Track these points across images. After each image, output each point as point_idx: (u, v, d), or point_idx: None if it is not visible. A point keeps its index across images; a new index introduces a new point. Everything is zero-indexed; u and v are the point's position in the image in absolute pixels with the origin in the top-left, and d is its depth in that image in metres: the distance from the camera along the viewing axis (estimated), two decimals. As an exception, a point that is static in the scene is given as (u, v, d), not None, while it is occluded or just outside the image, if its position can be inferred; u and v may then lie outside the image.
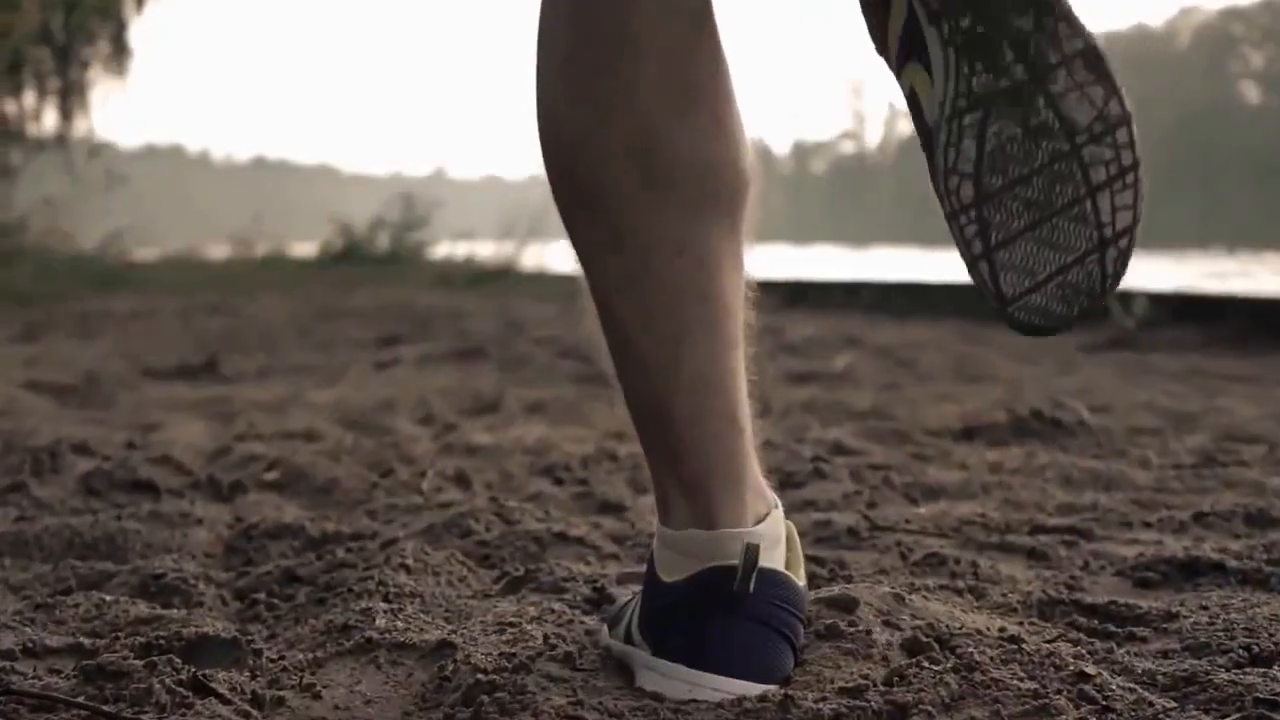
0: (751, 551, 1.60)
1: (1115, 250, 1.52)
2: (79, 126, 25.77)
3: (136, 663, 1.52)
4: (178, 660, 1.53)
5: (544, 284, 12.97)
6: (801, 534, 2.14)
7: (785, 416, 4.10)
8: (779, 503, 1.71)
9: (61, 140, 24.68)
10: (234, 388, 5.39)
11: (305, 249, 19.89)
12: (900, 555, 2.12)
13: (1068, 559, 2.17)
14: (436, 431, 3.70)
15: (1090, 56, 1.50)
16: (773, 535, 1.65)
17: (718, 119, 1.63)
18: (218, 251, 20.59)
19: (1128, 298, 8.04)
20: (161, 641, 1.62)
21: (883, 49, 1.61)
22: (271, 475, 2.76)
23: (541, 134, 1.66)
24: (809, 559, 2.06)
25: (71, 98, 25.24)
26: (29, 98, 25.13)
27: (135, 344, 7.31)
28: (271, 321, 9.21)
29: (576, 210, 1.66)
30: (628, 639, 1.71)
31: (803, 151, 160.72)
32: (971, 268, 1.54)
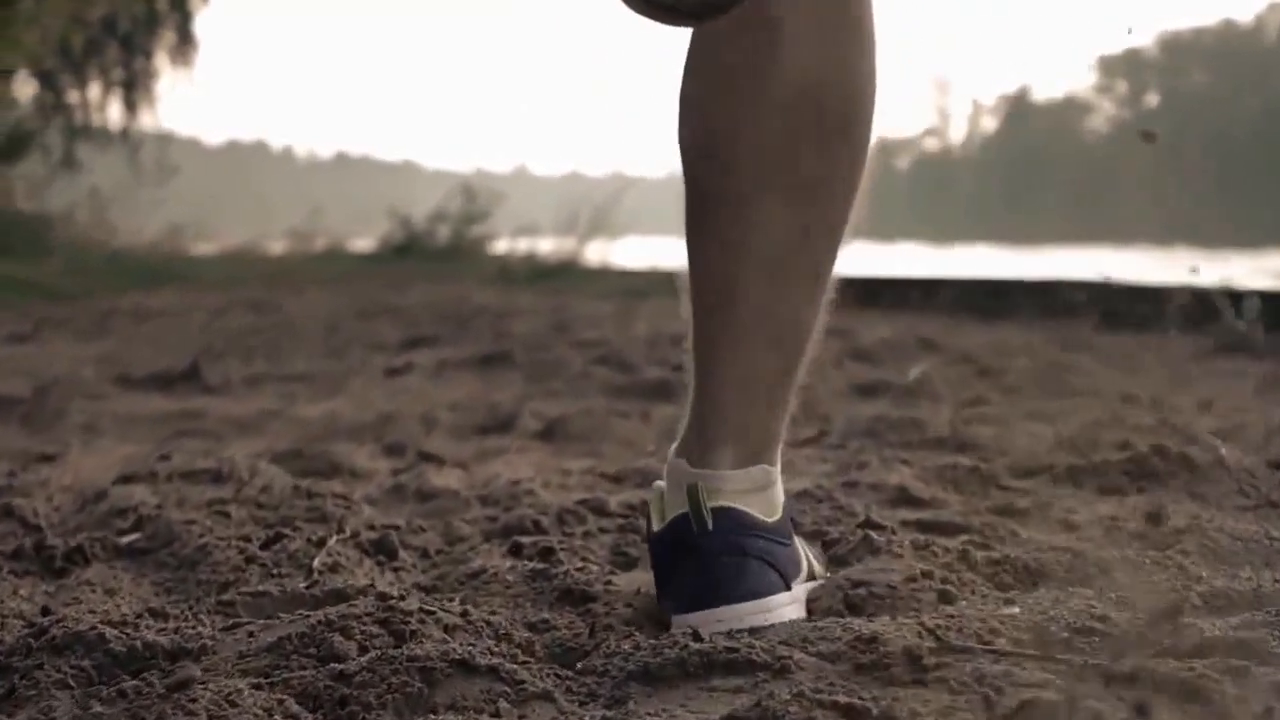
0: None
1: None
2: (144, 119, 25.38)
3: None
4: None
5: (606, 280, 12.28)
6: (835, 655, 1.48)
7: (843, 444, 3.36)
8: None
9: (125, 133, 24.27)
10: (212, 399, 4.70)
11: (367, 243, 19.33)
12: (984, 702, 1.37)
13: (1236, 700, 1.42)
14: (399, 465, 2.98)
15: None
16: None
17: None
18: (278, 246, 20.06)
19: (1238, 297, 7.22)
20: None
21: None
22: (130, 538, 2.05)
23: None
24: (841, 701, 1.34)
25: (136, 89, 24.82)
26: (94, 89, 24.78)
27: (137, 346, 6.65)
28: (305, 320, 8.56)
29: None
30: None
31: (886, 147, 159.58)
32: None
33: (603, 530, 2.10)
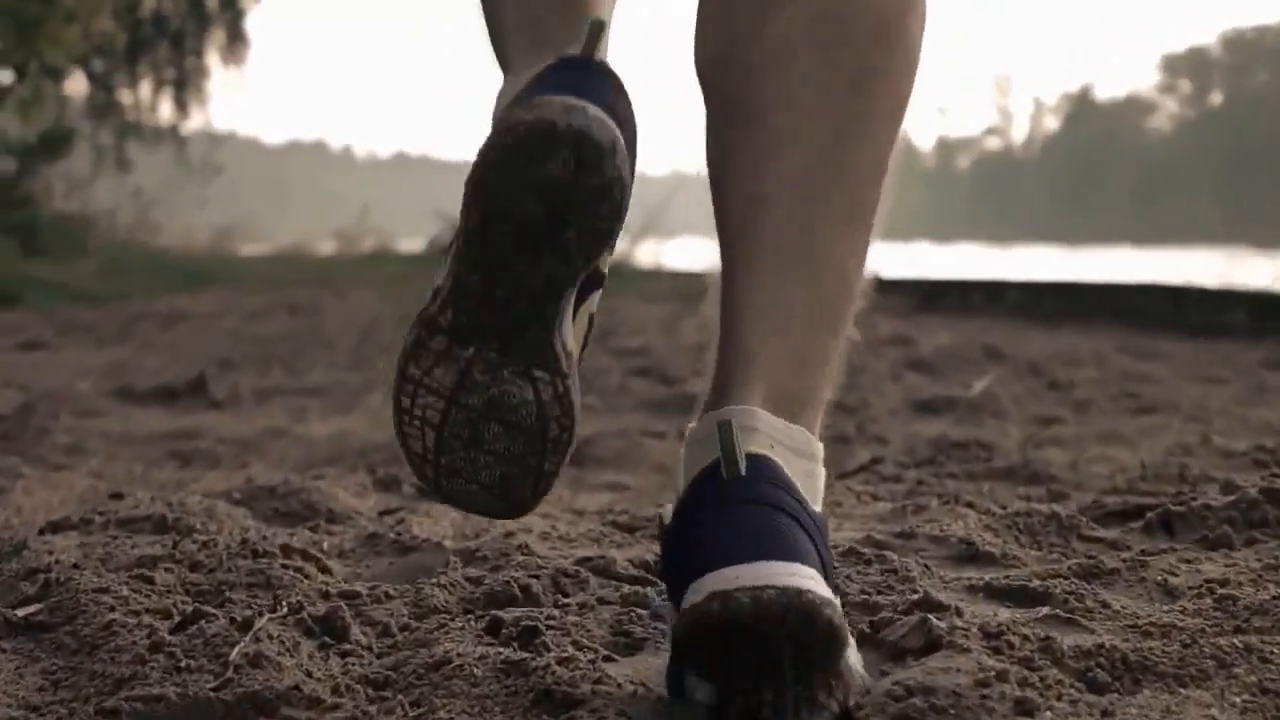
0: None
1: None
2: (195, 118, 25.16)
3: None
4: None
5: (657, 283, 11.90)
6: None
7: (899, 476, 2.98)
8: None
9: (174, 132, 24.06)
10: (215, 416, 4.35)
11: (416, 244, 19.04)
12: None
13: None
14: (388, 503, 2.61)
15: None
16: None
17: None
18: (327, 247, 19.78)
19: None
20: None
21: None
22: (29, 610, 1.68)
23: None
24: None
25: (187, 88, 24.61)
26: (145, 88, 24.57)
27: (154, 354, 6.31)
28: (340, 325, 8.22)
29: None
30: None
31: (947, 147, 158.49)
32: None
33: (603, 601, 1.73)
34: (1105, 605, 1.75)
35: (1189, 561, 1.99)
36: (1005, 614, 1.74)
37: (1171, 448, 3.56)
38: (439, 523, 2.24)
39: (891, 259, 17.97)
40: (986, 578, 1.89)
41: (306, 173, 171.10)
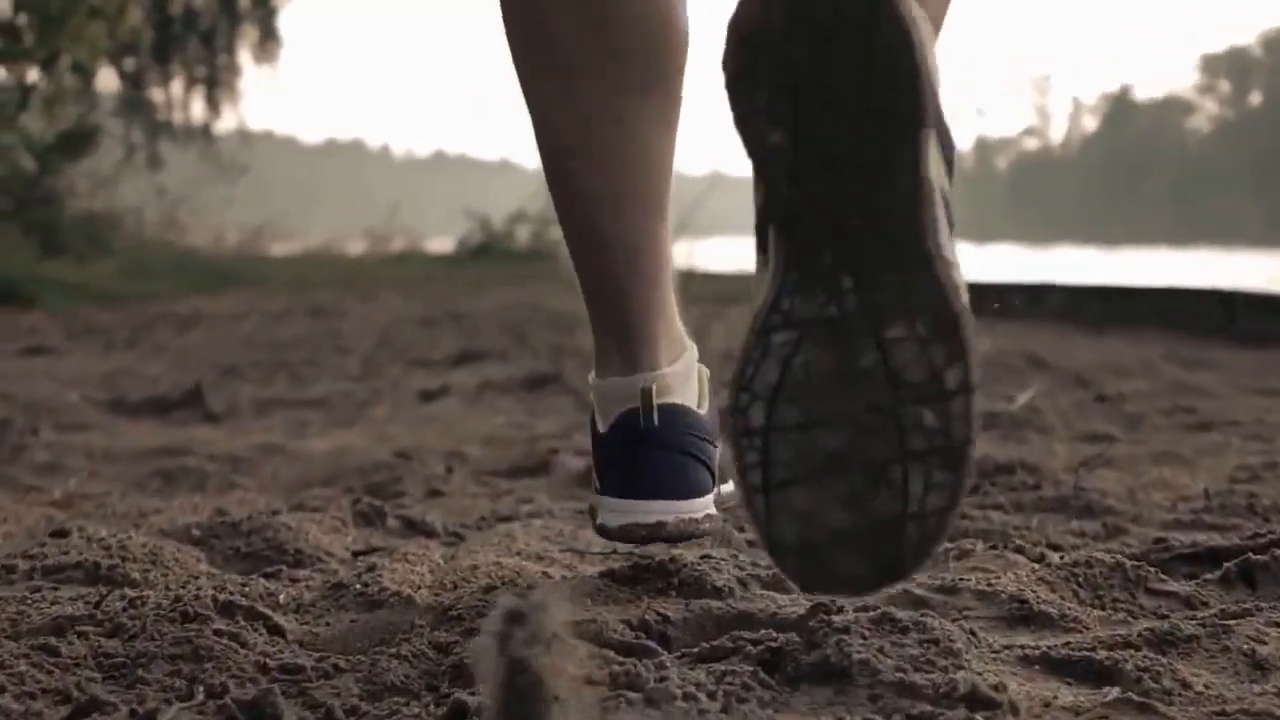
0: (646, 395, 1.82)
1: (918, 530, 1.29)
2: (227, 116, 25.00)
3: None
4: None
5: (689, 285, 11.60)
6: None
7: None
8: (693, 345, 1.92)
9: (206, 130, 23.88)
10: (209, 430, 4.09)
11: (446, 244, 18.82)
12: None
13: None
14: (366, 542, 2.33)
15: (945, 318, 1.34)
16: (682, 374, 1.86)
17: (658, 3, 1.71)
18: (357, 247, 19.58)
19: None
20: None
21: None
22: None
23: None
24: None
25: (219, 86, 24.41)
26: (177, 86, 24.39)
27: (161, 360, 6.06)
28: (360, 328, 7.97)
29: (533, 67, 1.76)
30: (595, 489, 1.90)
31: (985, 148, 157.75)
32: (746, 497, 1.35)
33: (589, 681, 1.47)
34: (1185, 685, 1.48)
35: (1279, 625, 1.70)
36: (1067, 695, 1.47)
37: (1235, 471, 3.27)
38: (415, 568, 1.97)
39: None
40: (1043, 646, 1.62)
41: (342, 172, 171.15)
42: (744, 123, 1.35)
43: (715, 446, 1.88)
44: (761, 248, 1.41)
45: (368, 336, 7.36)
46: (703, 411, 1.88)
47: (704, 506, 1.84)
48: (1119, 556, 1.96)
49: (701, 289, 10.63)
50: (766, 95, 1.32)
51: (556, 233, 16.79)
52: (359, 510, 2.48)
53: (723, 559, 1.95)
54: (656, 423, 1.82)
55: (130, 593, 1.72)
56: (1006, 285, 10.00)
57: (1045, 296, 9.33)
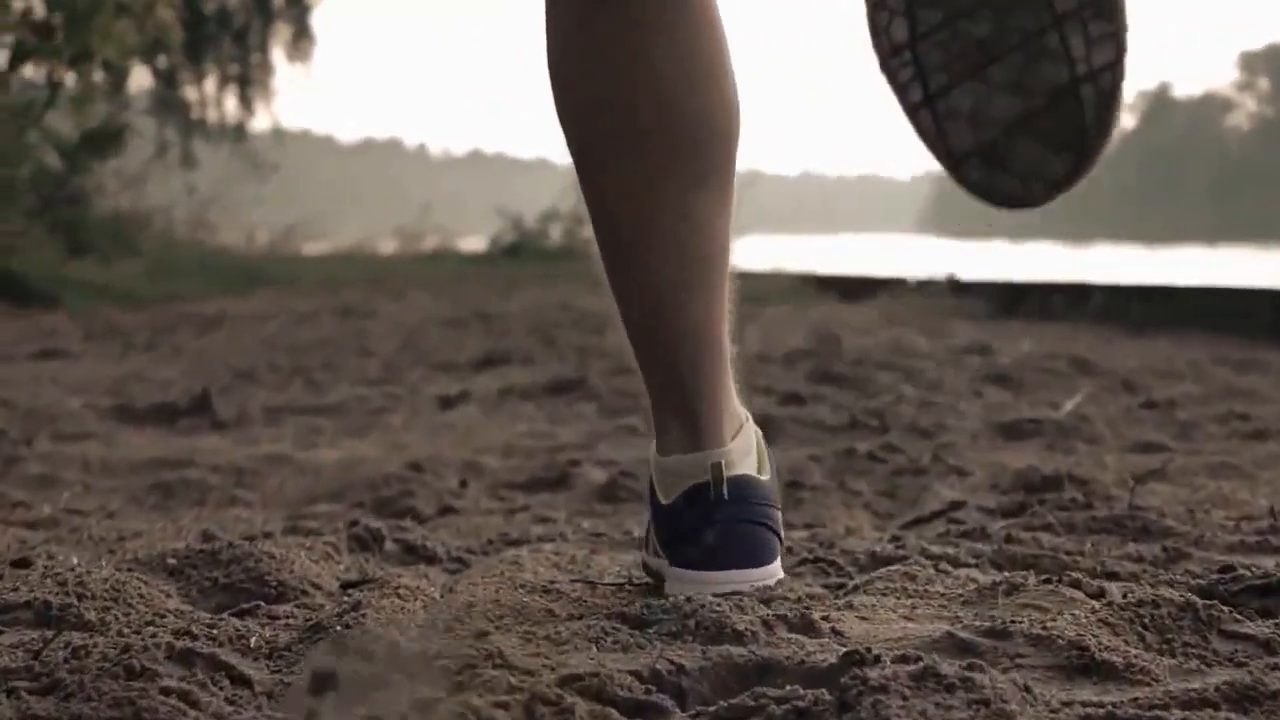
0: (716, 470, 1.83)
1: (1093, 89, 1.27)
2: (260, 115, 24.85)
3: None
4: None
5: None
6: None
7: (983, 529, 2.49)
8: (749, 415, 1.92)
9: (240, 128, 23.74)
10: (215, 439, 3.91)
11: (478, 243, 18.64)
12: None
13: None
14: (359, 571, 2.14)
15: None
16: (744, 447, 1.87)
17: (722, 93, 1.69)
18: (389, 246, 19.41)
19: None
20: None
21: None
22: None
23: (554, 97, 1.75)
24: None
25: (252, 85, 24.27)
26: (210, 84, 24.25)
27: (176, 363, 5.89)
28: (386, 329, 7.80)
29: (591, 170, 1.77)
30: (655, 554, 1.93)
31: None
32: (913, 120, 1.37)
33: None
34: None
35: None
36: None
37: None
38: (406, 605, 1.78)
39: (968, 259, 17.43)
40: (1108, 703, 1.42)
41: (378, 171, 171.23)
42: None
43: (779, 510, 1.91)
44: None
45: (392, 338, 7.18)
46: (765, 478, 1.89)
47: (776, 573, 1.87)
48: (1188, 594, 1.76)
49: (736, 289, 10.43)
50: None
51: (589, 231, 16.51)
52: (355, 534, 2.29)
53: (747, 597, 1.76)
54: (727, 495, 1.83)
55: (78, 639, 1.54)
56: (1046, 284, 9.77)
57: (1087, 296, 9.09)
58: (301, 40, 24.60)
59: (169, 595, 1.86)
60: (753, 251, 14.90)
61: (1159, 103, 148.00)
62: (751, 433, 1.91)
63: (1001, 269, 13.37)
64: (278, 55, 24.53)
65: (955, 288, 10.18)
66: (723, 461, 1.83)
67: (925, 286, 10.46)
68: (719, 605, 1.68)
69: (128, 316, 8.83)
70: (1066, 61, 1.30)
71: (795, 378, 5.17)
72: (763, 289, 10.05)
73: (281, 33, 24.58)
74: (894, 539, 2.50)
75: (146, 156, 16.06)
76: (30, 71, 13.48)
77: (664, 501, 1.87)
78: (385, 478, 3.32)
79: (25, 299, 9.48)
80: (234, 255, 15.31)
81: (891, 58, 1.36)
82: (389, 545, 2.30)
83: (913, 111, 1.38)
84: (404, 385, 5.07)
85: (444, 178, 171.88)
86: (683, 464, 1.85)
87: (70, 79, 13.71)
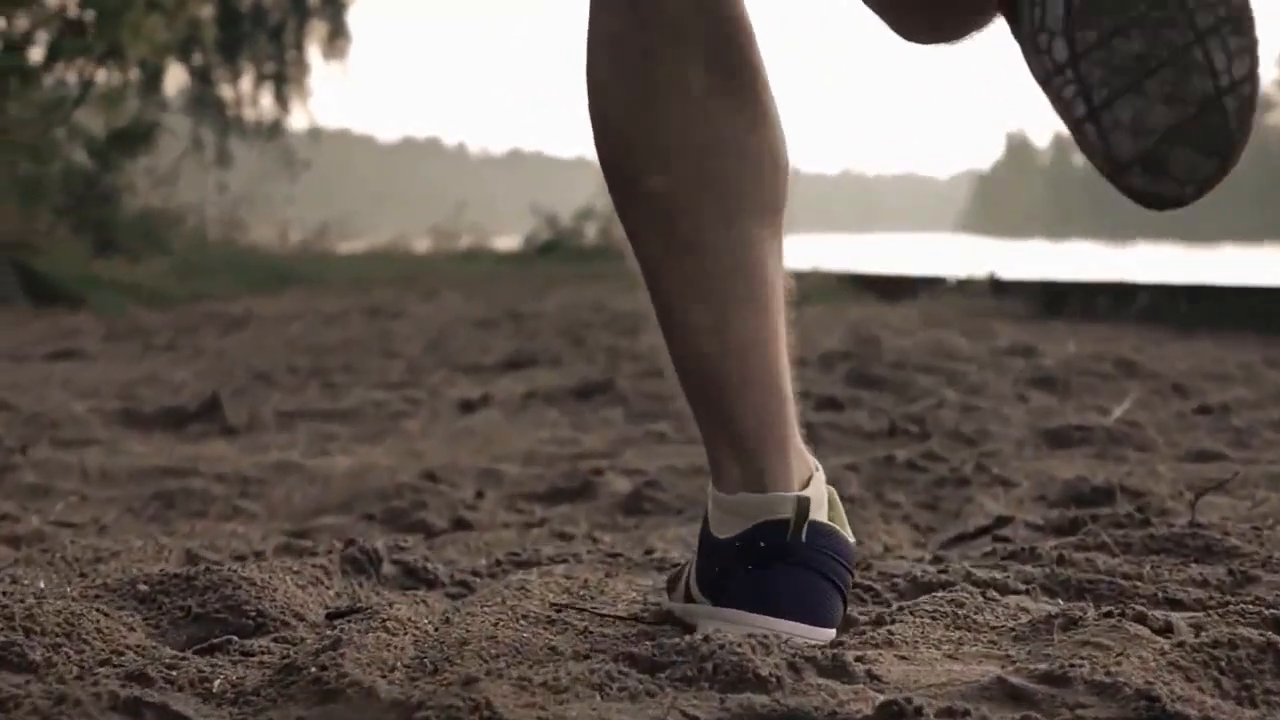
0: (803, 504, 1.69)
1: (1236, 100, 1.42)
2: (296, 113, 24.75)
3: None
4: None
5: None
6: None
7: (1033, 550, 2.29)
8: (819, 465, 1.78)
9: (276, 127, 23.63)
10: (223, 445, 3.75)
11: (513, 241, 18.49)
12: None
13: None
14: (355, 593, 1.96)
15: None
16: (818, 496, 1.73)
17: (761, 103, 1.69)
18: (423, 245, 19.26)
19: None
20: None
21: None
22: None
23: (591, 112, 1.72)
24: None
25: (287, 83, 24.15)
26: (245, 83, 24.14)
27: (193, 364, 5.73)
28: (413, 330, 7.63)
29: (625, 187, 1.72)
30: (687, 598, 1.79)
31: (1064, 143, 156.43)
32: (1077, 133, 1.45)
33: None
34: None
35: None
36: None
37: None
38: (395, 640, 1.59)
39: (1008, 258, 17.19)
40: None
41: (417, 170, 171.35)
42: None
43: (852, 575, 1.78)
44: None
45: (418, 339, 7.01)
46: (850, 539, 1.76)
47: (830, 637, 1.70)
48: (1268, 633, 1.56)
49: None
50: None
51: (622, 229, 16.30)
52: (350, 556, 2.10)
53: (768, 635, 1.57)
54: (804, 538, 1.70)
55: (11, 686, 1.36)
56: (1090, 284, 9.55)
57: (1132, 296, 8.87)
58: (337, 38, 24.50)
59: (132, 629, 1.67)
60: (790, 250, 14.70)
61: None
62: (824, 485, 1.77)
63: (1042, 268, 13.16)
64: (313, 53, 24.45)
65: (996, 287, 9.99)
66: (810, 501, 1.70)
67: (965, 286, 10.26)
68: (739, 647, 1.50)
69: (153, 316, 8.68)
70: (1211, 74, 1.41)
71: (833, 381, 4.98)
72: (800, 288, 9.83)
73: (317, 31, 24.48)
74: (936, 560, 2.31)
75: (176, 154, 15.95)
76: (64, 70, 13.38)
77: (719, 536, 1.73)
78: (397, 487, 3.15)
79: (50, 298, 9.33)
80: (266, 254, 15.15)
81: (1055, 76, 1.43)
82: (387, 567, 2.11)
83: (1077, 126, 1.44)
84: (425, 388, 4.90)
85: (482, 177, 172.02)
86: (748, 503, 1.71)
87: (102, 76, 13.61)
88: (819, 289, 10.27)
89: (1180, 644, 1.54)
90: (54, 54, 13.43)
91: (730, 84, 1.68)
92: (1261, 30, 1.41)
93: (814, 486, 1.73)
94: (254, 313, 8.81)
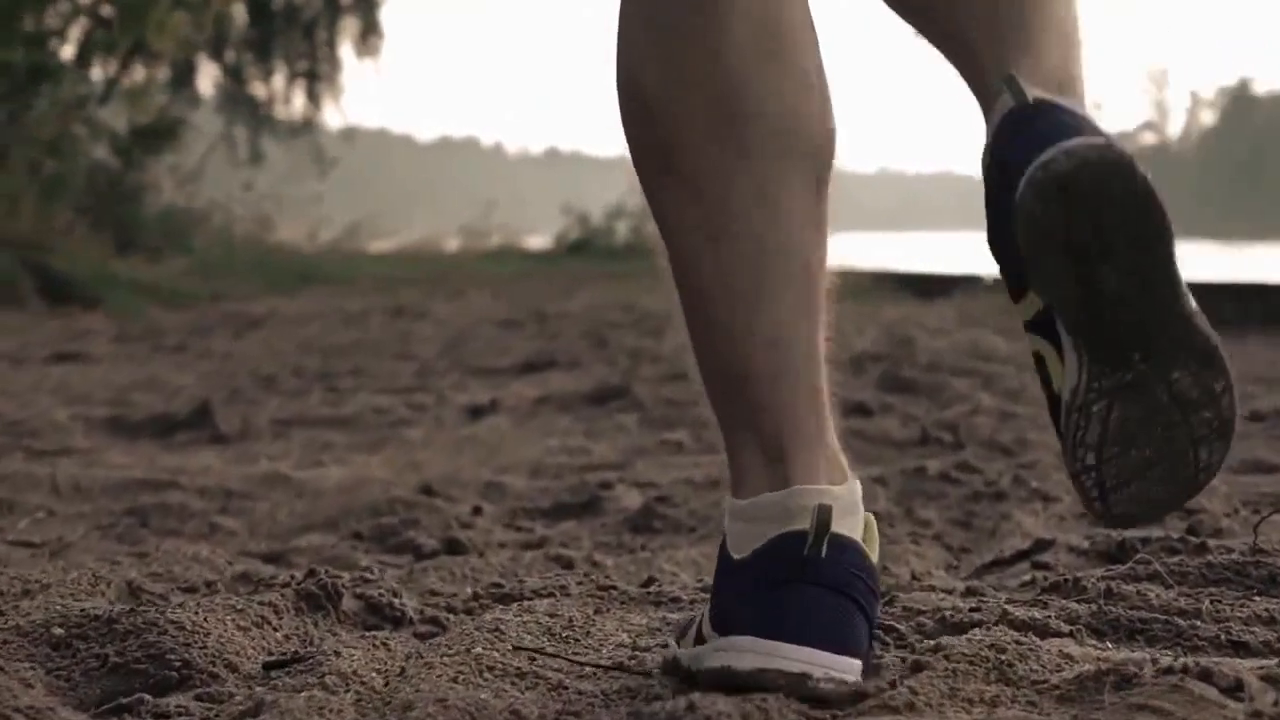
0: (823, 512, 1.54)
1: (1205, 475, 1.61)
2: (329, 111, 24.60)
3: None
4: None
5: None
6: None
7: (1076, 582, 2.04)
8: (856, 479, 1.63)
9: (309, 125, 23.48)
10: (211, 454, 3.54)
11: (544, 240, 18.33)
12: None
13: None
14: (307, 633, 1.72)
15: (1206, 352, 1.56)
16: (848, 501, 1.59)
17: (804, 73, 1.61)
18: (453, 244, 19.10)
19: None
20: None
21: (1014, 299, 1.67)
22: None
23: (619, 83, 1.65)
24: None
25: (319, 81, 23.99)
26: (278, 80, 23.99)
27: (199, 367, 5.53)
28: (434, 330, 7.42)
29: (655, 165, 1.63)
30: (698, 643, 1.60)
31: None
32: (1087, 504, 1.60)
33: None
34: None
35: None
36: None
37: None
38: (334, 698, 1.36)
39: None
40: None
41: (453, 169, 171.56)
42: (1038, 272, 1.55)
43: (880, 602, 1.67)
44: (1041, 333, 1.59)
45: (437, 340, 6.80)
46: (874, 557, 1.60)
47: (856, 669, 1.52)
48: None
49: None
50: (1057, 257, 1.51)
51: (654, 227, 16.10)
52: (306, 591, 1.86)
53: (774, 697, 1.33)
54: (824, 553, 1.53)
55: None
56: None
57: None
58: (370, 36, 24.33)
59: (30, 685, 1.45)
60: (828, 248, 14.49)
61: (1239, 99, 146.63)
62: (858, 493, 1.62)
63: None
64: (346, 51, 24.29)
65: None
66: (832, 507, 1.53)
67: (1002, 284, 10.02)
68: (743, 705, 1.26)
69: (170, 316, 8.49)
70: (1194, 465, 1.58)
71: (863, 385, 4.74)
72: (851, 285, 9.64)
73: (350, 28, 24.32)
74: (969, 592, 2.08)
75: (204, 152, 15.79)
76: (94, 67, 13.23)
77: (736, 557, 1.57)
78: (390, 502, 2.94)
79: (66, 297, 9.13)
80: (292, 253, 14.96)
81: (1082, 474, 1.55)
82: (349, 602, 1.87)
83: (1089, 502, 1.59)
84: (433, 393, 4.68)
85: (518, 176, 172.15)
86: (767, 504, 1.55)
87: (122, 72, 13.45)
88: (855, 287, 10.04)
89: (1255, 713, 1.30)
90: (85, 52, 13.29)
91: (771, 46, 1.58)
92: (1234, 434, 1.60)
93: (845, 490, 1.58)
94: (273, 313, 8.62)
